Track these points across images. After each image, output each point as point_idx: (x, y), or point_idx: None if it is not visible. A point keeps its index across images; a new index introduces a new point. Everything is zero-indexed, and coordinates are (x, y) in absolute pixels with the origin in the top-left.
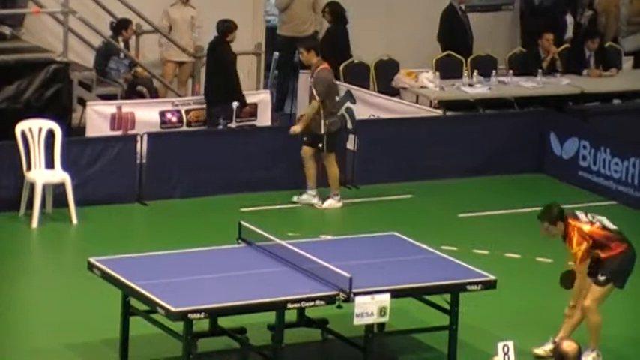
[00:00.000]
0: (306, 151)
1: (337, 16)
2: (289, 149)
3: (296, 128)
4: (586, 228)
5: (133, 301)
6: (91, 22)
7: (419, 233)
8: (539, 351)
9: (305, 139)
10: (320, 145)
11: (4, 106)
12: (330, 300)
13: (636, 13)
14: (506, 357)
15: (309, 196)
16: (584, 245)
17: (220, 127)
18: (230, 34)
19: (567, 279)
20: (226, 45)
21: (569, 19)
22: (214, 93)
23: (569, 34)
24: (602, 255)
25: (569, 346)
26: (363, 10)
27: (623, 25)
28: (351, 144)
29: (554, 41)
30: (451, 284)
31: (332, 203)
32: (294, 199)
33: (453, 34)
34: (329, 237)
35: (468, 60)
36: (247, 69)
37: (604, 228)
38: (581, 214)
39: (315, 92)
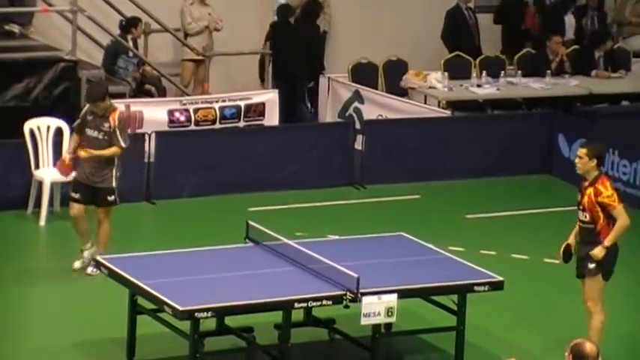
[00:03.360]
0: (80, 209)
1: None
2: (297, 149)
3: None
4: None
5: (140, 300)
6: (100, 21)
7: (426, 234)
8: None
9: (77, 195)
10: (111, 198)
11: (12, 104)
12: (337, 300)
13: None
14: None
15: (91, 252)
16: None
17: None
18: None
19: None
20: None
21: (569, 20)
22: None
23: (569, 35)
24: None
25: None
26: (371, 9)
27: (626, 25)
28: (358, 144)
29: (563, 43)
30: (458, 285)
31: None
32: (76, 265)
33: (457, 33)
34: (336, 237)
35: (477, 61)
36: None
37: None
38: None
39: (120, 138)
